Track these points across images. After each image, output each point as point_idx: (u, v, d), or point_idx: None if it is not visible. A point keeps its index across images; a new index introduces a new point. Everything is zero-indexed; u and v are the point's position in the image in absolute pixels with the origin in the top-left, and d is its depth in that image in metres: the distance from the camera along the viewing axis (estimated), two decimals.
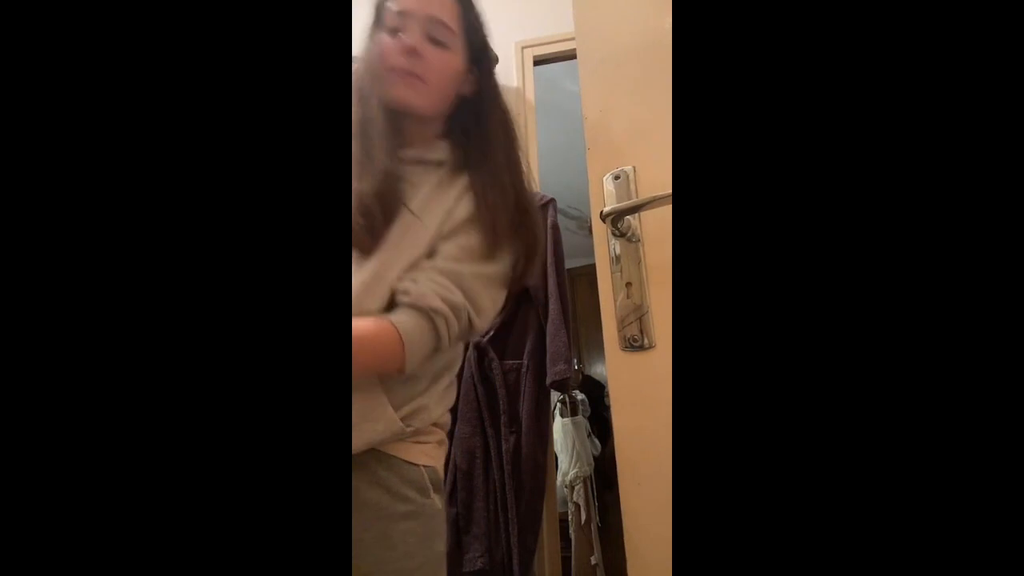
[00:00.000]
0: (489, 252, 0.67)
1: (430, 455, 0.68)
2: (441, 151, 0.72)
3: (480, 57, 0.73)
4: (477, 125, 0.72)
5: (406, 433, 0.64)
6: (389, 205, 0.65)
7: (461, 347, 0.74)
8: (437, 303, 0.62)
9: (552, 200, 1.51)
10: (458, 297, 0.64)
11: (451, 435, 1.33)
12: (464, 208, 0.68)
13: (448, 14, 0.68)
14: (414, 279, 0.63)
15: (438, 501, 0.68)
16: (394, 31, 0.67)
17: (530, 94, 1.78)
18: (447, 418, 0.74)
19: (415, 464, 0.65)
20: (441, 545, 0.67)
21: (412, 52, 0.66)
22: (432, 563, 0.65)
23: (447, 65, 0.69)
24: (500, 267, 0.68)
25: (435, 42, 0.68)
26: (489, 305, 0.68)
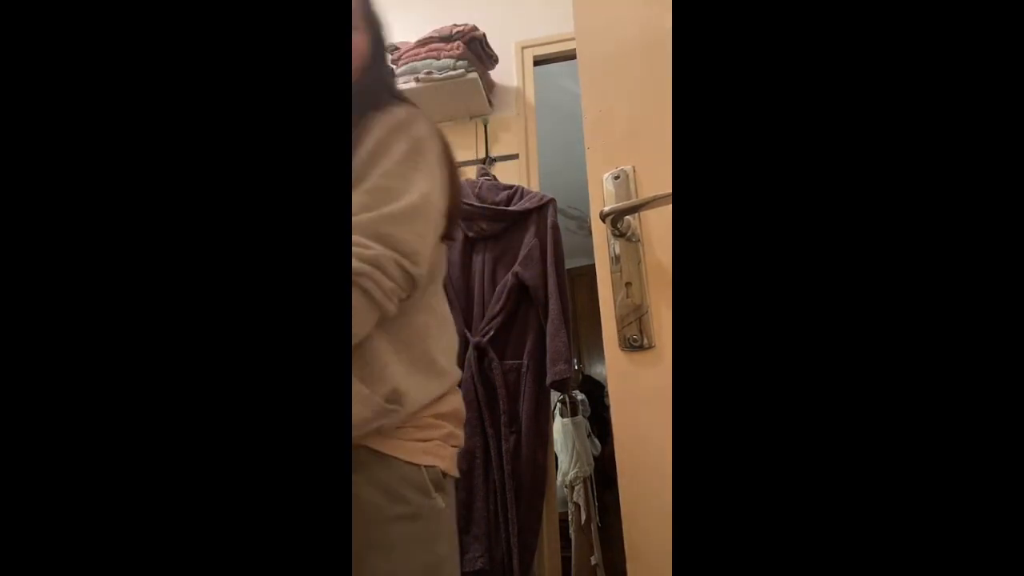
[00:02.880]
0: (390, 190, 0.64)
1: (432, 453, 0.67)
2: None
3: (377, 44, 0.77)
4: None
5: (390, 414, 0.61)
6: None
7: (415, 318, 0.69)
8: (353, 264, 0.59)
9: (552, 200, 1.51)
10: (376, 249, 0.60)
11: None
12: None
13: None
14: None
15: (441, 501, 0.66)
16: None
17: (530, 94, 1.78)
18: (451, 408, 0.71)
19: (414, 464, 0.64)
20: (444, 547, 0.66)
21: None
22: (433, 566, 0.63)
23: (357, 45, 0.72)
24: (411, 199, 0.64)
25: None
26: (417, 244, 0.64)
